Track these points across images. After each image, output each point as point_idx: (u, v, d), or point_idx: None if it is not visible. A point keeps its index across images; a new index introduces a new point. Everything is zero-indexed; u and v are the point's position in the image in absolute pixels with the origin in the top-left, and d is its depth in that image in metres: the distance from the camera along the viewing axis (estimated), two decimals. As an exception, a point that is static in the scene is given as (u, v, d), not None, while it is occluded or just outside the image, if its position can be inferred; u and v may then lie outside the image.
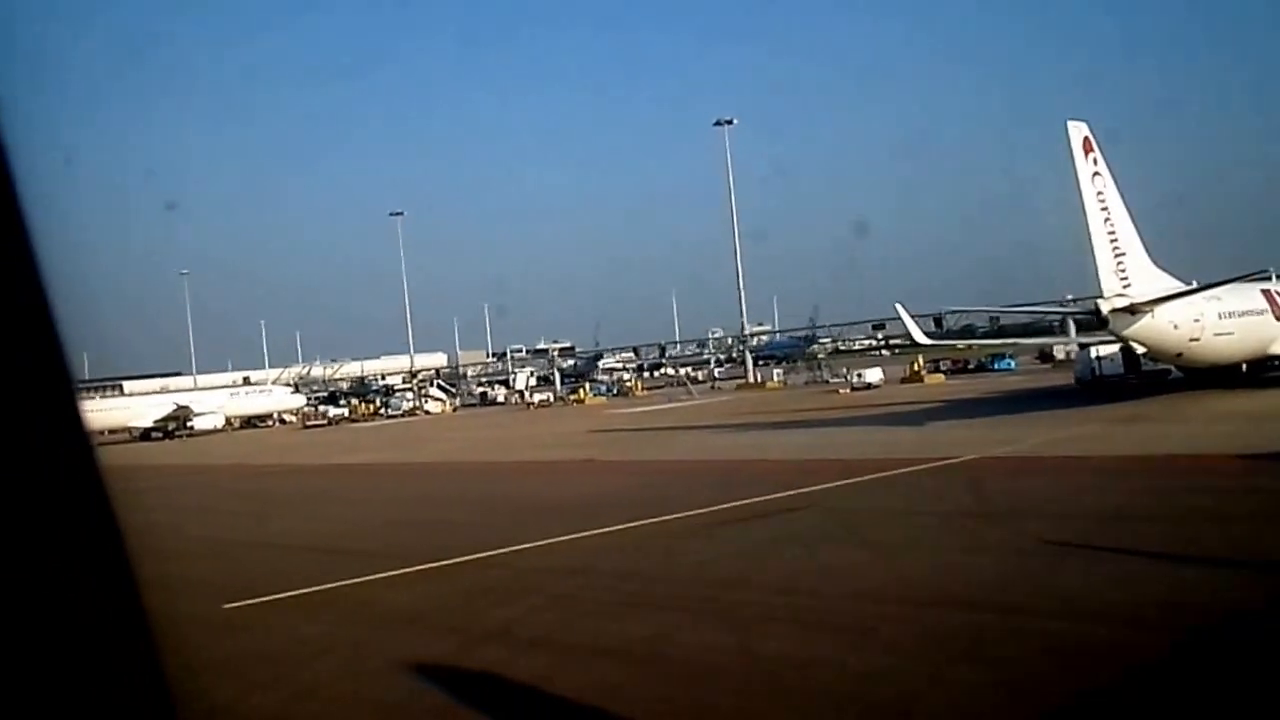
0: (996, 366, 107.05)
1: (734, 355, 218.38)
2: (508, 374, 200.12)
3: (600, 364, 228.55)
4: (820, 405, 74.64)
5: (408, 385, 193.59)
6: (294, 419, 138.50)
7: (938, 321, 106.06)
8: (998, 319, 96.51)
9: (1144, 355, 46.85)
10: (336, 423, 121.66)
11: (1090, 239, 44.71)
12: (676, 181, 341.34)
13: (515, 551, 23.56)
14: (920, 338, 67.52)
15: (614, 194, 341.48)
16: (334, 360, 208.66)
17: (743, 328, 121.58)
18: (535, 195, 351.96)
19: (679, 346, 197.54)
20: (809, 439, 49.44)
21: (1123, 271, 45.21)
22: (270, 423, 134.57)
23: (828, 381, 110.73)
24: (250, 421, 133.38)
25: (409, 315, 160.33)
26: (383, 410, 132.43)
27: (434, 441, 72.43)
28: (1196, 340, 46.50)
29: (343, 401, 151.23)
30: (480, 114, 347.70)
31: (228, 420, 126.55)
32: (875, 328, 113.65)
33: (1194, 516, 21.56)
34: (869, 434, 48.80)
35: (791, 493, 29.22)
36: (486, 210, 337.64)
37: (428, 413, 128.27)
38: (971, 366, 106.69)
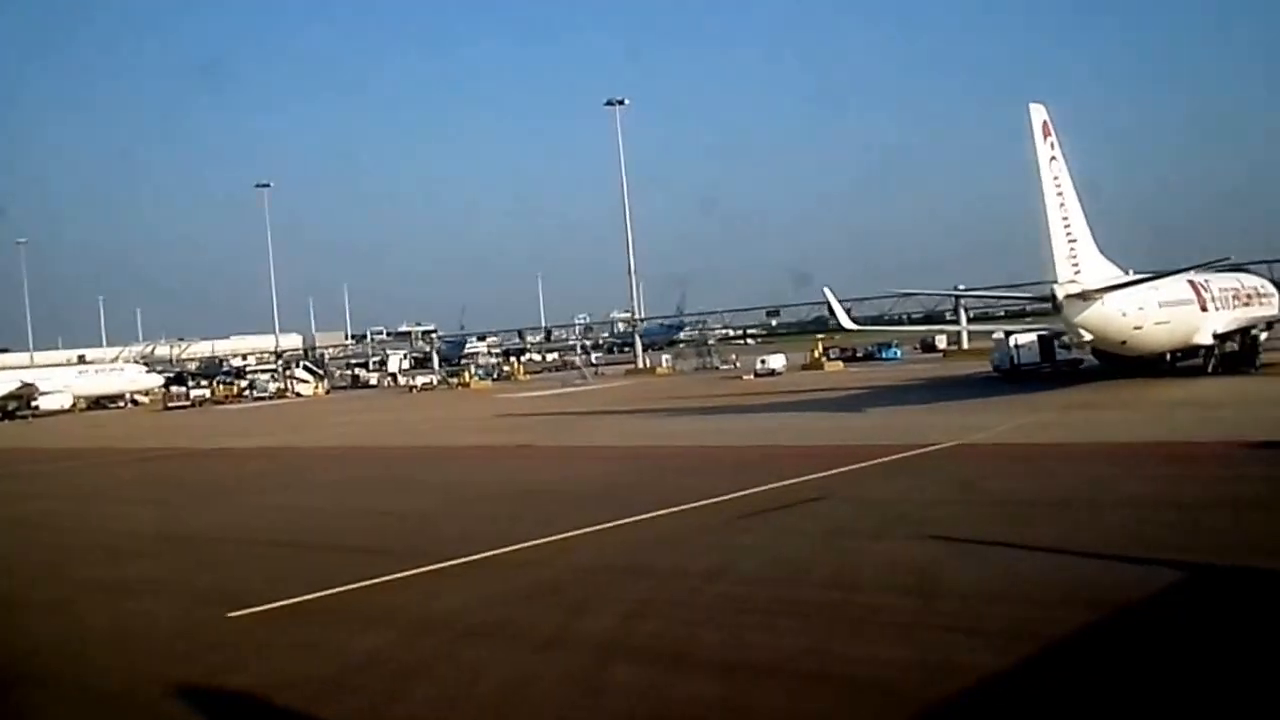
0: (884, 355, 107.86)
1: (600, 341, 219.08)
2: (368, 356, 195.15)
3: (466, 348, 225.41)
4: (730, 391, 73.65)
5: (266, 366, 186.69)
6: (146, 399, 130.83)
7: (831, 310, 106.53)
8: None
9: (1088, 342, 46.86)
10: (200, 404, 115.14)
11: (1046, 224, 44.40)
12: (546, 165, 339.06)
13: (536, 547, 21.27)
14: (847, 323, 66.94)
15: (478, 175, 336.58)
16: (181, 339, 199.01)
17: (633, 313, 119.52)
18: (395, 175, 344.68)
19: (545, 332, 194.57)
20: (754, 425, 48.11)
21: (1074, 259, 45.11)
22: (122, 404, 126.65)
23: (718, 368, 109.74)
24: (99, 402, 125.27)
25: (274, 293, 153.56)
26: (249, 392, 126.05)
27: (327, 425, 68.94)
28: (1139, 329, 46.85)
29: (203, 382, 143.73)
30: (340, 85, 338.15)
31: (75, 400, 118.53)
32: (770, 314, 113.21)
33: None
34: (815, 420, 47.82)
35: (793, 481, 27.90)
36: (340, 189, 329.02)
37: (298, 395, 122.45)
38: (859, 355, 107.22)
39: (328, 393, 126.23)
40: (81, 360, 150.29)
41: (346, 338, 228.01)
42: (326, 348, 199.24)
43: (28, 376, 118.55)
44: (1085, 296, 44.78)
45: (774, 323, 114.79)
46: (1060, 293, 44.65)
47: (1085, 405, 44.22)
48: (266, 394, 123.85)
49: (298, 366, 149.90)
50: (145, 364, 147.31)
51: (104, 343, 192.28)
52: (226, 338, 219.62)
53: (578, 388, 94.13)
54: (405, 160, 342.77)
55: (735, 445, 39.83)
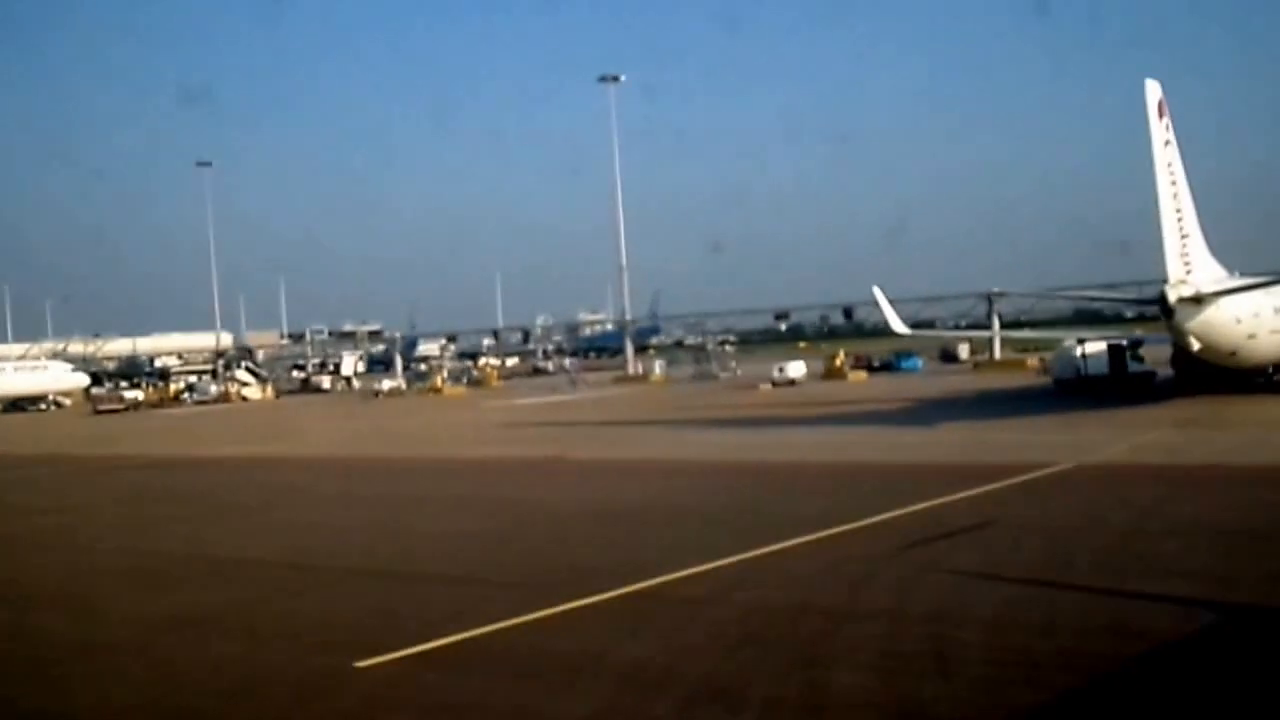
0: (904, 365, 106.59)
1: (563, 346, 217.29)
2: (307, 357, 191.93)
3: (418, 349, 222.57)
4: (753, 402, 72.15)
5: (194, 367, 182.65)
6: (68, 402, 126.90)
7: (847, 313, 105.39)
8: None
9: (1198, 352, 45.10)
10: (135, 407, 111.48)
11: (1158, 216, 42.74)
12: (506, 150, 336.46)
13: (685, 580, 19.28)
14: (900, 327, 65.17)
15: (428, 161, 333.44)
16: (97, 336, 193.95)
17: (625, 311, 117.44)
18: (335, 159, 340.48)
19: (522, 333, 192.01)
20: (815, 439, 46.56)
21: (1186, 257, 43.53)
22: (44, 406, 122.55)
23: (717, 376, 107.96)
24: (17, 404, 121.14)
25: (214, 284, 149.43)
26: (187, 395, 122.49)
27: (301, 433, 66.92)
28: (1253, 337, 45.29)
29: (125, 384, 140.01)
30: (280, 57, 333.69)
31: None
32: (778, 317, 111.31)
33: None
34: (884, 435, 46.45)
35: (932, 504, 26.23)
36: (272, 173, 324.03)
37: (244, 399, 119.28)
38: (877, 365, 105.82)
39: (277, 396, 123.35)
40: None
41: (282, 337, 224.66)
42: (259, 348, 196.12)
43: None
44: (1199, 300, 43.19)
45: (783, 326, 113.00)
46: (1172, 295, 42.93)
47: (1194, 423, 42.75)
48: (208, 397, 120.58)
49: (238, 368, 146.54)
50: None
51: (9, 338, 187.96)
52: (148, 335, 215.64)
53: (569, 395, 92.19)
54: (346, 143, 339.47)
55: (813, 461, 38.24)
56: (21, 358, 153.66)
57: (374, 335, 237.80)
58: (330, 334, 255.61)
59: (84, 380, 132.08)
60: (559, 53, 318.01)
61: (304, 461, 49.19)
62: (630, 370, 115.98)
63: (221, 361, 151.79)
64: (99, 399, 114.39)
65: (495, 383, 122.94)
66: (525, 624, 16.71)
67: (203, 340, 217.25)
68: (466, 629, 16.36)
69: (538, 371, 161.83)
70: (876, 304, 64.98)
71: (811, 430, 50.16)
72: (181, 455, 55.11)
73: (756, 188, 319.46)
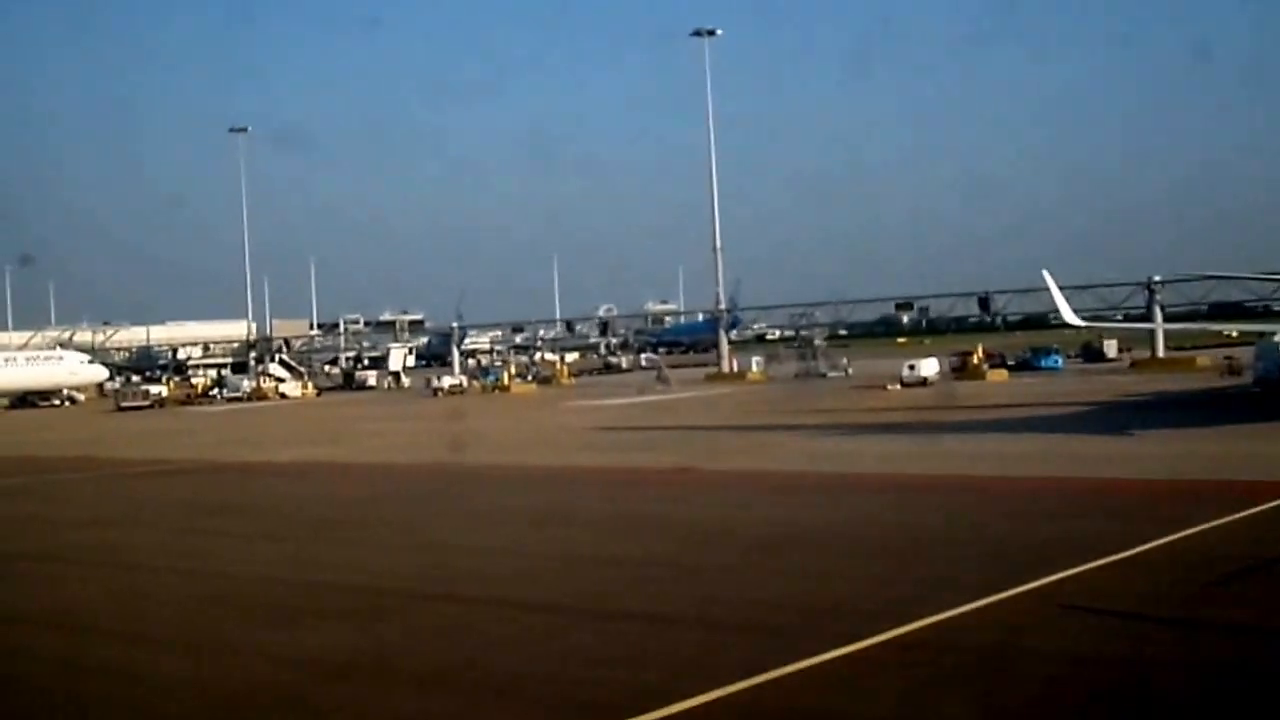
0: (1043, 363, 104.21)
1: (630, 340, 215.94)
2: (339, 350, 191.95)
3: (466, 342, 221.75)
4: (885, 404, 70.51)
5: (214, 360, 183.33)
6: (82, 396, 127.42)
7: (983, 303, 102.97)
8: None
9: None
10: (160, 404, 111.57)
11: None
12: (567, 119, 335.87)
13: (961, 620, 17.36)
14: (1072, 318, 62.86)
15: (477, 132, 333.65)
16: (106, 324, 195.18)
17: (718, 300, 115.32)
18: (376, 130, 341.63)
19: (559, 326, 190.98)
20: (990, 448, 44.33)
21: None
22: (57, 401, 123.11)
23: (824, 375, 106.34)
24: (26, 399, 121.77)
25: (248, 265, 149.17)
26: (217, 391, 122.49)
27: (364, 436, 66.11)
28: None
29: (157, 377, 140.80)
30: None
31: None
32: (900, 307, 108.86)
33: None
34: (1062, 444, 45.05)
35: (1192, 531, 24.37)
36: (302, 147, 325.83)
37: (282, 396, 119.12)
38: (1012, 362, 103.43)
39: (318, 394, 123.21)
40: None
41: (312, 327, 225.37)
42: (286, 338, 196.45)
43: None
44: None
45: (905, 318, 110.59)
46: None
47: None
48: (239, 394, 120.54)
49: (271, 361, 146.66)
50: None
51: (9, 325, 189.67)
52: (162, 323, 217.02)
53: (661, 395, 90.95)
54: (389, 113, 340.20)
55: (1005, 476, 36.11)
56: (23, 347, 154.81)
57: (415, 325, 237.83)
58: (366, 324, 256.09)
59: (102, 373, 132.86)
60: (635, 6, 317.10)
61: (381, 469, 47.80)
62: (725, 367, 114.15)
63: (253, 354, 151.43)
64: (122, 394, 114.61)
65: (566, 380, 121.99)
66: (793, 678, 14.89)
67: (224, 329, 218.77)
68: (722, 684, 14.52)
69: (609, 368, 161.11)
70: (997, 294, 62.72)
71: (980, 439, 47.99)
72: (233, 459, 54.09)
73: (859, 168, 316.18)
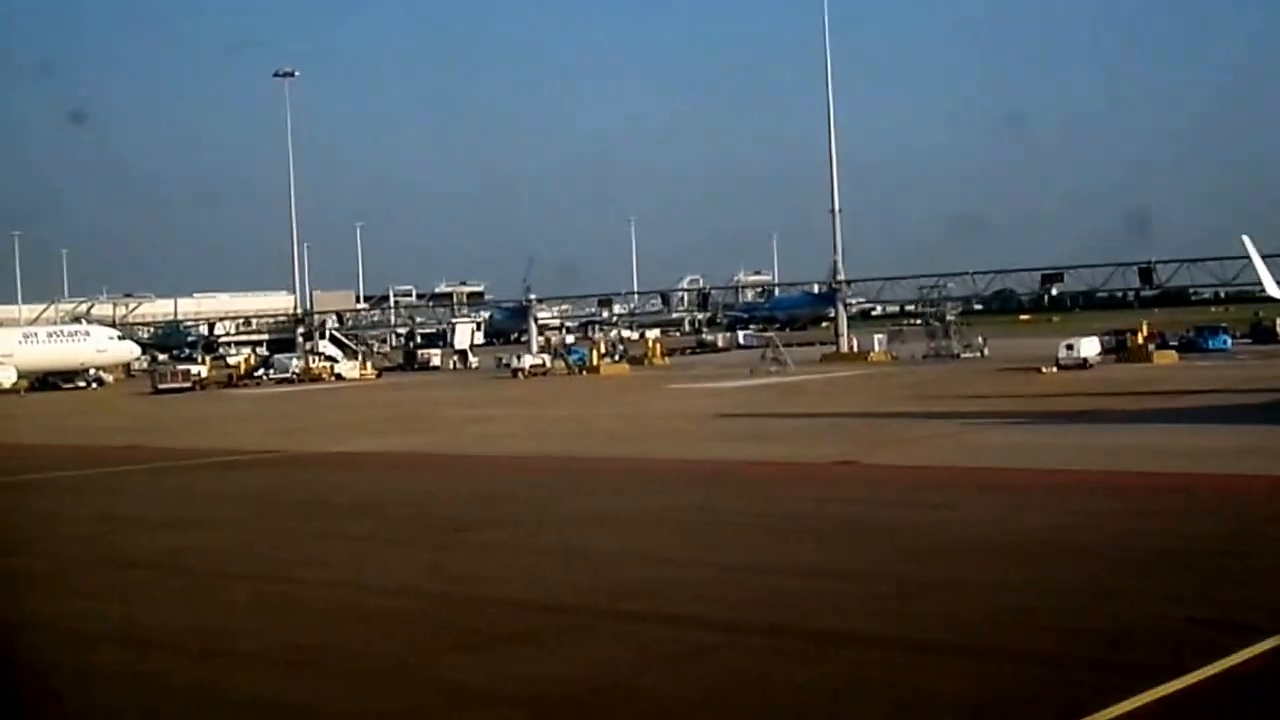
0: (1210, 344, 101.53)
1: (719, 316, 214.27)
2: (389, 325, 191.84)
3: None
4: (1045, 390, 68.82)
5: (247, 337, 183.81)
6: (110, 378, 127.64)
7: (1145, 275, 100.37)
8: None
9: None
10: (202, 386, 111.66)
11: None
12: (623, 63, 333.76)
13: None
14: (1276, 291, 60.76)
15: (523, 86, 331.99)
16: (128, 295, 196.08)
17: (835, 269, 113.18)
18: (424, 78, 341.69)
19: (636, 299, 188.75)
20: (1208, 442, 42.31)
21: None
22: (82, 383, 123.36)
23: (957, 355, 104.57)
24: (46, 379, 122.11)
25: (294, 227, 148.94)
26: (264, 372, 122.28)
27: (448, 423, 65.95)
28: None
29: (195, 357, 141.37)
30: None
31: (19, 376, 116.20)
32: (1048, 278, 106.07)
33: None
34: None
35: None
36: (348, 94, 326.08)
37: (339, 377, 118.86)
38: (1174, 343, 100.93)
39: (378, 375, 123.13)
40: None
41: (358, 300, 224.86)
42: (338, 312, 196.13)
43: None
44: None
45: (1054, 290, 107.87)
46: None
47: None
48: (288, 374, 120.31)
49: (322, 338, 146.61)
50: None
51: (18, 298, 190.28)
52: (189, 295, 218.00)
53: (778, 377, 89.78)
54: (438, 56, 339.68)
55: (1240, 473, 34.29)
56: (34, 322, 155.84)
57: (473, 298, 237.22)
58: (419, 297, 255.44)
59: (134, 351, 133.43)
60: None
61: (484, 462, 46.65)
62: (845, 346, 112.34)
63: (301, 330, 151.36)
64: (160, 375, 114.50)
65: (660, 360, 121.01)
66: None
67: (258, 302, 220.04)
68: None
69: (703, 346, 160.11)
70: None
71: (1185, 431, 46.10)
72: (308, 449, 53.34)
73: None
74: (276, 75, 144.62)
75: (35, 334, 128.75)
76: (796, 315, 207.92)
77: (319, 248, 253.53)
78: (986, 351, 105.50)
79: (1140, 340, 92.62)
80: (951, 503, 31.41)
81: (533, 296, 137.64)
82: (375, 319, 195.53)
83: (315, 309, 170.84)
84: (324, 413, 77.51)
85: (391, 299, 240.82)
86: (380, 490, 39.02)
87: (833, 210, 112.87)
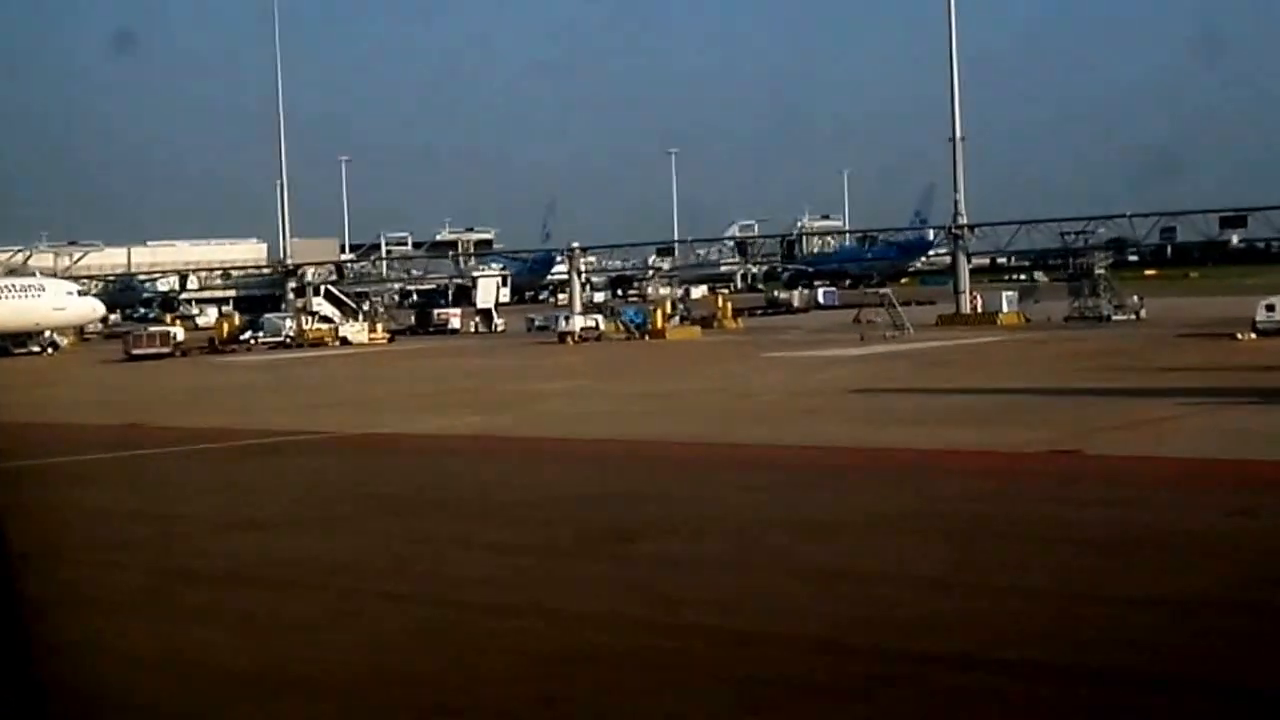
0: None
1: (780, 270, 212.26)
2: (383, 278, 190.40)
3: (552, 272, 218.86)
4: (1252, 360, 66.41)
5: (210, 294, 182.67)
6: (65, 341, 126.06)
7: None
8: None
9: None
10: (184, 352, 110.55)
11: None
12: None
13: None
14: None
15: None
16: (72, 244, 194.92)
17: (956, 214, 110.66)
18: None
19: (677, 252, 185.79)
20: None
21: None
22: (36, 348, 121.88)
23: (1108, 318, 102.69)
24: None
25: (283, 158, 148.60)
26: (251, 335, 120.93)
27: (513, 399, 64.31)
28: None
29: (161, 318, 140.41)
30: None
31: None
32: (1228, 222, 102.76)
33: None
34: None
35: None
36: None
37: (344, 341, 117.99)
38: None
39: (390, 339, 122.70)
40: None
41: (343, 250, 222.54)
42: (307, 264, 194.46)
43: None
44: None
45: (1234, 238, 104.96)
46: None
47: None
48: (280, 338, 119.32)
49: (316, 294, 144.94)
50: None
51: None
52: (143, 244, 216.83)
53: (894, 343, 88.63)
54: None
55: None
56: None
57: (481, 247, 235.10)
58: (416, 245, 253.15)
59: (98, 309, 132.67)
60: None
61: (594, 448, 44.75)
62: (966, 307, 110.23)
63: (292, 286, 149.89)
64: (136, 338, 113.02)
65: (731, 322, 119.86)
66: None
67: (225, 252, 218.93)
68: None
69: (775, 306, 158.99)
70: None
71: None
72: (362, 430, 51.56)
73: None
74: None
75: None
76: (874, 268, 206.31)
77: (293, 188, 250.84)
78: (1144, 313, 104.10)
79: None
80: (1247, 507, 29.62)
81: (576, 245, 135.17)
82: (364, 271, 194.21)
83: (294, 259, 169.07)
84: (352, 385, 76.98)
85: (384, 247, 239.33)
86: (490, 483, 37.36)
87: (953, 139, 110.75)
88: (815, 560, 25.36)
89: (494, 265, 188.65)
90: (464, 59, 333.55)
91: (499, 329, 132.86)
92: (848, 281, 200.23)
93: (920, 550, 25.95)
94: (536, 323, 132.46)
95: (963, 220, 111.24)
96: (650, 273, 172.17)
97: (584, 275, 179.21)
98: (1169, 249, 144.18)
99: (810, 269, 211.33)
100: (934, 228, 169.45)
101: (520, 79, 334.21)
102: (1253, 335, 78.58)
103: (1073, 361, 70.96)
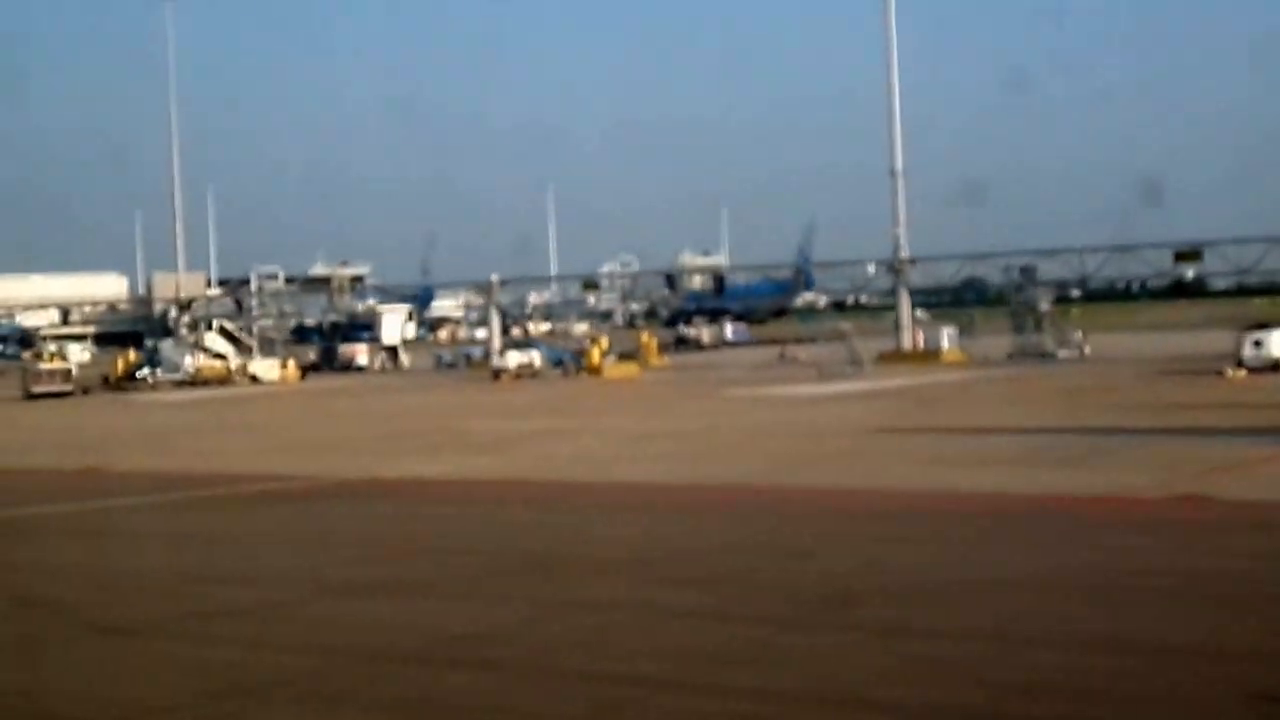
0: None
1: (658, 309, 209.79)
2: (245, 313, 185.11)
3: (434, 307, 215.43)
4: (1247, 398, 64.67)
5: (70, 330, 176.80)
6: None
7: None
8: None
9: None
10: (85, 390, 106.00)
11: None
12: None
13: None
14: None
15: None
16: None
17: (896, 248, 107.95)
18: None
19: (555, 286, 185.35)
20: None
21: None
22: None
23: (1053, 355, 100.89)
24: None
25: (176, 185, 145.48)
26: (149, 372, 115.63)
27: (512, 442, 59.61)
28: None
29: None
30: None
31: None
32: (1182, 256, 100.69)
33: None
34: None
35: None
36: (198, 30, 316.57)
37: (254, 379, 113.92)
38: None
39: (301, 376, 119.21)
40: None
41: (209, 284, 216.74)
42: (178, 299, 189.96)
43: None
44: None
45: (1190, 273, 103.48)
46: None
47: None
48: (179, 375, 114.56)
49: (208, 330, 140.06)
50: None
51: None
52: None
53: (851, 381, 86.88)
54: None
55: None
56: None
57: (355, 282, 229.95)
58: (288, 280, 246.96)
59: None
60: None
61: (642, 492, 40.83)
62: (907, 343, 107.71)
63: (185, 321, 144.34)
64: (35, 375, 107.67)
65: (657, 360, 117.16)
66: None
67: (83, 286, 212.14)
68: None
69: (684, 343, 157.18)
70: None
71: None
72: (355, 476, 46.65)
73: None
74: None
75: None
76: (757, 305, 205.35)
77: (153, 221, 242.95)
78: (1087, 350, 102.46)
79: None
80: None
81: (495, 277, 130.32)
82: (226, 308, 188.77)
83: (156, 294, 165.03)
84: (303, 426, 72.41)
85: (254, 282, 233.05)
86: (600, 537, 32.78)
87: (893, 172, 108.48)
88: (1089, 629, 21.79)
89: (367, 300, 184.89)
90: (328, 90, 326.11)
91: (403, 366, 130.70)
92: (731, 317, 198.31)
93: (1187, 616, 22.56)
94: (445, 359, 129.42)
95: (905, 254, 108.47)
96: (529, 311, 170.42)
97: (462, 311, 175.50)
98: (1128, 285, 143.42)
99: (694, 306, 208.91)
100: (810, 263, 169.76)
101: (385, 112, 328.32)
102: (1242, 372, 76.70)
103: (1069, 399, 68.26)
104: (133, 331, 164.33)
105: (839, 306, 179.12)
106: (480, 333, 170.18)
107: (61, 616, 24.66)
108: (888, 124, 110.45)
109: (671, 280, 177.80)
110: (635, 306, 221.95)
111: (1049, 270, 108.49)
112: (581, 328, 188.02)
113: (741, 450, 51.80)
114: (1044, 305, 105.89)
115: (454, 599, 25.53)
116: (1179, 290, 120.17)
